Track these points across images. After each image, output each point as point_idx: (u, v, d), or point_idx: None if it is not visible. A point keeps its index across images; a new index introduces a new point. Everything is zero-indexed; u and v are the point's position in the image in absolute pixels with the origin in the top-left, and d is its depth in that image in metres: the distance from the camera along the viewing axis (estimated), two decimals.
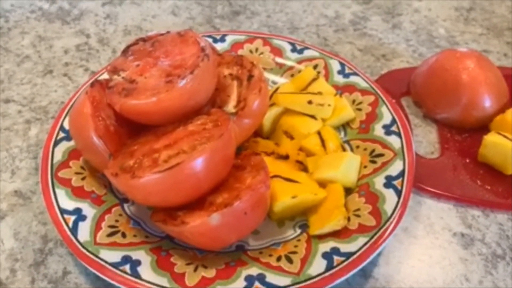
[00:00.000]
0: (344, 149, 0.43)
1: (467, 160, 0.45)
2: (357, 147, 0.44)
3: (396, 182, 0.39)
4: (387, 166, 0.40)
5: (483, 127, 0.47)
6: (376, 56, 0.58)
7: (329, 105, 0.44)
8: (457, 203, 0.42)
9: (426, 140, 0.48)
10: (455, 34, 0.61)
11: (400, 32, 0.61)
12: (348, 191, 0.40)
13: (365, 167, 0.41)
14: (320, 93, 0.45)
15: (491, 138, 0.44)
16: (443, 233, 0.40)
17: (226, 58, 0.43)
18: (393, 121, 0.44)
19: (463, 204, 0.42)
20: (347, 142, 0.44)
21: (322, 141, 0.43)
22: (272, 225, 0.38)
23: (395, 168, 0.40)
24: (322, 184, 0.39)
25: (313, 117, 0.44)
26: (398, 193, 0.38)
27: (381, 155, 0.42)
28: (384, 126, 0.44)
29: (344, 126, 0.46)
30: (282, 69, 0.51)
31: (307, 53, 0.51)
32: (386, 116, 0.44)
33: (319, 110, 0.44)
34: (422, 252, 0.39)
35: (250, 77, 0.41)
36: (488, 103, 0.47)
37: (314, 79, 0.47)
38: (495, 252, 0.39)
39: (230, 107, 0.40)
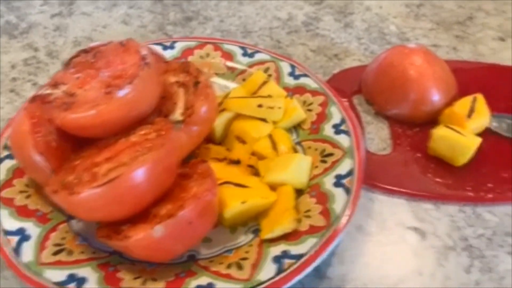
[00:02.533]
0: (295, 151, 0.43)
1: (419, 154, 0.46)
2: (309, 147, 0.44)
3: (346, 181, 0.39)
4: (336, 165, 0.40)
5: (433, 120, 0.48)
6: (328, 56, 0.58)
7: (279, 107, 0.44)
8: (409, 197, 0.43)
9: (378, 137, 0.48)
10: (406, 30, 0.62)
11: (352, 31, 0.62)
12: (300, 192, 0.40)
13: (316, 167, 0.41)
14: (270, 96, 0.45)
15: (438, 132, 0.44)
16: (396, 229, 0.41)
17: (173, 65, 0.42)
18: (343, 120, 0.44)
19: (415, 198, 0.43)
20: (299, 143, 0.45)
21: (274, 144, 0.43)
22: (224, 232, 0.38)
23: (345, 166, 0.40)
24: (274, 187, 0.39)
25: (264, 120, 0.44)
26: (348, 191, 0.38)
27: (331, 154, 0.42)
28: (334, 126, 0.44)
29: (296, 127, 0.46)
30: (234, 74, 0.51)
31: (258, 56, 0.51)
32: (336, 116, 0.44)
33: (270, 113, 0.44)
34: (376, 249, 0.39)
35: (197, 83, 0.41)
36: (436, 97, 0.48)
37: (265, 82, 0.47)
38: (446, 244, 0.39)
39: (177, 114, 0.40)
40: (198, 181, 0.34)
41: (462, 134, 0.44)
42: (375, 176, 0.44)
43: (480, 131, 0.47)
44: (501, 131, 0.48)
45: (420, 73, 0.47)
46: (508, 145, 0.47)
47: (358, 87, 0.53)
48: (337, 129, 0.43)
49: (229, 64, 0.51)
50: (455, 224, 0.41)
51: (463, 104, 0.47)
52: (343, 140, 0.42)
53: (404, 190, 0.43)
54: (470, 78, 0.53)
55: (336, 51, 0.59)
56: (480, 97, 0.47)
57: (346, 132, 0.43)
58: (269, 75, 0.49)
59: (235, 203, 0.36)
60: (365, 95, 0.52)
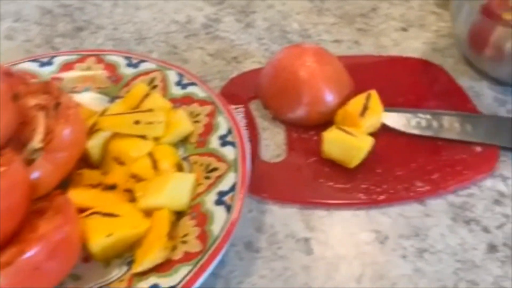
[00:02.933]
0: (180, 168, 0.40)
1: (313, 159, 0.44)
2: (195, 162, 0.41)
3: (227, 198, 0.36)
4: (219, 181, 0.38)
5: (329, 121, 0.47)
6: (227, 59, 0.55)
7: (159, 122, 0.41)
8: (301, 206, 0.41)
9: (274, 143, 0.46)
10: (308, 27, 0.60)
11: (253, 31, 0.60)
12: (181, 214, 0.37)
13: (200, 184, 0.39)
14: (150, 110, 0.42)
15: (329, 135, 0.43)
16: (286, 242, 0.39)
17: (32, 86, 0.39)
18: (229, 131, 0.41)
19: (308, 206, 0.41)
20: (186, 158, 0.42)
21: (154, 163, 0.40)
22: (96, 267, 0.35)
23: (228, 182, 0.38)
24: (150, 212, 0.36)
25: (143, 137, 0.41)
26: (229, 209, 0.36)
27: (215, 169, 0.39)
28: (220, 137, 0.41)
29: (184, 141, 0.43)
30: (117, 87, 0.47)
31: (144, 66, 0.48)
32: (223, 126, 0.42)
33: (149, 129, 0.41)
34: (264, 267, 0.37)
35: (57, 105, 0.37)
36: (329, 97, 0.46)
37: (147, 95, 0.44)
38: (338, 254, 0.38)
39: (36, 142, 0.36)
40: (49, 218, 0.31)
41: (353, 135, 0.42)
42: (267, 186, 0.42)
43: (376, 128, 0.46)
44: (398, 127, 0.47)
45: (310, 73, 0.45)
46: (404, 141, 0.46)
47: (255, 91, 0.51)
48: (223, 141, 0.41)
49: (113, 77, 0.48)
50: (348, 231, 0.39)
51: (356, 103, 0.46)
52: (229, 152, 0.40)
53: (296, 199, 0.41)
54: (368, 73, 0.52)
55: (236, 53, 0.56)
56: (373, 94, 0.46)
57: (232, 144, 0.40)
58: (155, 86, 0.46)
59: (99, 237, 0.33)
60: (261, 100, 0.49)
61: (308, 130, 0.46)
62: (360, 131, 0.44)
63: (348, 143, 0.42)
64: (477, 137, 0.45)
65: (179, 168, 0.40)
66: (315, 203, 0.41)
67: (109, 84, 0.47)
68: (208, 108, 0.44)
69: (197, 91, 0.45)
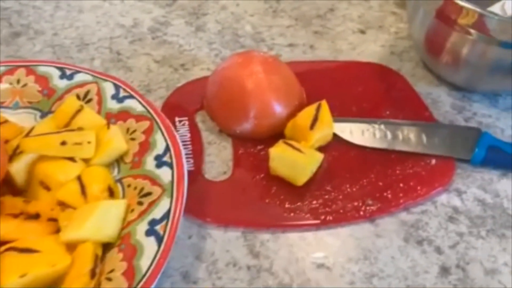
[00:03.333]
0: (112, 193, 0.37)
1: (261, 176, 0.41)
2: (129, 185, 0.38)
3: (160, 227, 0.34)
4: (153, 208, 0.35)
5: (279, 134, 0.44)
6: (174, 66, 0.52)
7: (88, 142, 0.38)
8: (245, 229, 0.38)
9: (219, 159, 0.43)
10: (262, 30, 0.57)
11: (203, 35, 0.56)
12: (111, 245, 0.34)
13: (133, 210, 0.36)
14: (80, 128, 0.39)
15: (276, 150, 0.40)
16: (227, 270, 0.36)
17: None
18: (167, 149, 0.38)
19: (253, 229, 0.38)
20: (121, 180, 0.39)
21: (83, 188, 0.37)
22: None
23: (161, 208, 0.35)
24: (74, 245, 0.33)
25: (72, 159, 0.38)
26: (160, 240, 0.33)
27: (149, 194, 0.36)
28: (157, 157, 0.38)
29: (119, 161, 0.40)
30: (50, 101, 0.43)
31: (78, 78, 0.44)
32: (160, 144, 0.39)
33: (77, 150, 0.37)
34: None
35: None
36: (278, 109, 0.43)
37: (78, 111, 0.41)
38: (281, 282, 0.35)
39: None
40: None
41: (300, 151, 0.40)
42: (209, 208, 0.39)
43: (327, 141, 0.44)
44: (351, 139, 0.44)
45: (258, 84, 0.43)
46: (356, 154, 0.43)
47: (202, 102, 0.48)
48: (159, 161, 0.38)
49: (45, 90, 0.44)
50: (294, 256, 0.37)
51: (306, 115, 0.43)
52: (165, 174, 0.37)
53: (239, 222, 0.38)
54: (322, 80, 0.50)
55: (184, 60, 0.53)
56: (324, 104, 0.43)
57: (168, 164, 0.37)
58: (90, 100, 0.43)
59: (12, 278, 0.30)
60: (207, 111, 0.46)
61: (256, 144, 0.44)
62: (310, 145, 0.42)
63: (295, 160, 0.39)
64: (432, 149, 0.43)
65: (111, 193, 0.37)
66: (259, 226, 0.38)
67: (41, 98, 0.44)
68: (145, 124, 0.40)
69: (135, 105, 0.42)
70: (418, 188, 0.40)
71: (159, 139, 0.39)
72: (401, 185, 0.41)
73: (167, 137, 0.39)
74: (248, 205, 0.39)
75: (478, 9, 0.41)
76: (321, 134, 0.42)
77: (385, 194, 0.40)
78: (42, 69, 0.45)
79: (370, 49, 0.55)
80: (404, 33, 0.57)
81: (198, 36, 0.56)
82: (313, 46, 0.55)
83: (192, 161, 0.42)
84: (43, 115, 0.43)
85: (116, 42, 0.55)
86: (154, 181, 0.37)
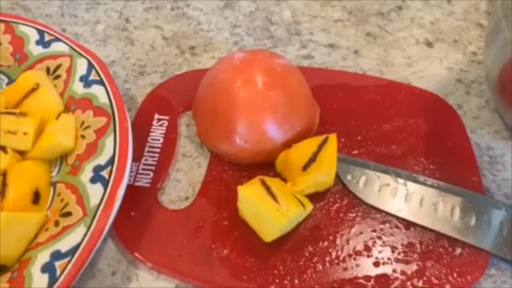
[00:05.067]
0: (37, 198, 0.31)
1: (224, 214, 0.33)
2: (59, 194, 0.31)
3: (59, 264, 0.27)
4: (63, 235, 0.28)
5: (269, 163, 0.35)
6: (181, 48, 0.43)
7: (24, 133, 0.31)
8: (182, 283, 0.30)
9: (187, 178, 0.35)
10: (302, 20, 0.46)
11: (230, 14, 0.46)
12: (6, 269, 0.28)
13: (47, 230, 0.29)
14: (22, 113, 0.32)
15: (244, 191, 0.31)
16: None
17: None
18: (110, 161, 0.31)
19: (191, 285, 0.30)
20: (55, 184, 0.32)
21: (3, 186, 0.30)
22: None
23: (71, 240, 0.27)
24: None
25: (3, 149, 0.32)
26: (53, 280, 0.26)
27: (69, 214, 0.29)
28: (96, 168, 0.31)
29: (63, 160, 0.33)
30: (20, 69, 0.37)
31: (55, 47, 0.38)
32: (106, 152, 0.31)
33: (9, 139, 0.31)
34: None
35: None
36: (272, 132, 0.33)
37: (33, 90, 0.34)
38: None
39: None
40: None
41: (276, 200, 0.30)
42: (146, 243, 0.31)
43: (325, 187, 0.34)
44: (357, 191, 0.33)
45: (250, 97, 0.33)
46: (362, 214, 0.33)
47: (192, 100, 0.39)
48: (97, 174, 0.30)
49: (18, 54, 0.38)
50: None
51: (304, 149, 0.33)
52: (95, 194, 0.29)
53: (178, 271, 0.30)
54: (348, 101, 0.38)
55: (196, 42, 0.44)
56: (332, 140, 0.33)
57: (104, 182, 0.30)
58: (58, 76, 0.36)
59: None
60: (193, 115, 0.38)
61: (237, 169, 0.35)
62: (298, 191, 0.32)
63: (263, 211, 0.30)
64: (464, 234, 0.31)
65: (36, 199, 0.31)
66: (201, 283, 0.30)
67: (12, 63, 0.38)
68: (101, 121, 0.33)
69: (100, 93, 0.34)
70: (433, 280, 0.30)
71: (108, 145, 0.32)
72: (405, 269, 0.30)
73: (117, 144, 0.32)
74: (196, 251, 0.31)
75: None
76: (316, 180, 0.32)
77: (382, 280, 0.30)
78: (22, 28, 0.39)
79: (431, 70, 0.42)
80: (483, 56, 0.44)
81: (224, 14, 0.47)
82: (358, 51, 0.44)
83: (151, 175, 0.34)
84: (10, 82, 0.38)
85: (131, 6, 0.47)
86: (80, 199, 0.29)
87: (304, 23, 0.46)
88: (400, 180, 0.34)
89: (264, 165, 0.34)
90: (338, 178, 0.34)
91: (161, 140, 0.36)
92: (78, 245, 0.27)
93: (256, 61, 0.35)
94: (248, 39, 0.45)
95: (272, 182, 0.31)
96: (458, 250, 0.31)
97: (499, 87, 0.35)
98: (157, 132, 0.37)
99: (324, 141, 0.33)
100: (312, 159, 0.32)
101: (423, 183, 0.34)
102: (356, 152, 0.36)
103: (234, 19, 0.46)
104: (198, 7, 0.47)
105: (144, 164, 0.35)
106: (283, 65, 0.35)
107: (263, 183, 0.31)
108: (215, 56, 0.43)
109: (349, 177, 0.34)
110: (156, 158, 0.35)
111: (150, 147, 0.36)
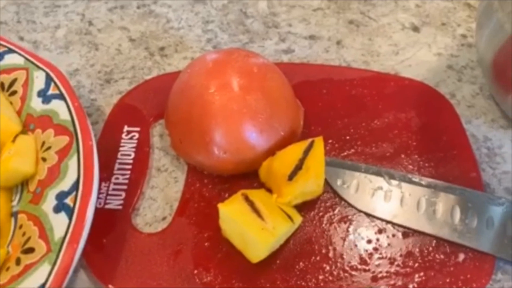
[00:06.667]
0: None
1: (206, 235, 0.30)
2: (20, 227, 0.28)
3: None
4: (26, 275, 0.25)
5: (253, 172, 0.32)
6: (150, 50, 0.40)
7: None
8: None
9: (163, 196, 0.32)
10: (279, 11, 0.43)
11: (201, 9, 0.43)
12: None
13: (8, 270, 0.26)
14: None
15: (226, 208, 0.28)
16: None
17: None
18: (75, 186, 0.28)
19: None
20: (17, 214, 0.29)
21: None
22: None
23: (36, 279, 0.25)
24: None
25: None
26: None
27: (31, 250, 0.26)
28: (59, 195, 0.28)
29: (24, 186, 0.30)
30: None
31: (9, 59, 0.34)
32: (70, 176, 0.28)
33: None
34: None
35: None
36: (253, 140, 0.30)
37: None
38: None
39: None
40: None
41: (261, 216, 0.27)
42: (118, 273, 0.28)
43: (314, 196, 0.31)
44: (348, 197, 0.31)
45: (226, 103, 0.30)
46: (351, 219, 0.30)
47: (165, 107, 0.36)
48: (61, 202, 0.27)
49: None
50: None
51: (289, 155, 0.30)
52: (60, 225, 0.26)
53: None
54: (334, 98, 0.36)
55: (166, 42, 0.41)
56: (318, 143, 0.30)
57: (68, 211, 0.27)
58: (14, 92, 0.33)
59: None
60: (166, 124, 0.35)
61: (218, 182, 0.32)
62: (285, 202, 0.29)
63: (246, 231, 0.27)
64: (465, 237, 0.29)
65: None
66: None
67: None
68: (63, 141, 0.30)
69: (60, 109, 0.31)
70: None
71: (71, 167, 0.28)
72: (405, 284, 0.28)
73: (82, 166, 0.29)
74: (176, 278, 0.28)
75: None
76: (303, 189, 0.30)
77: None
78: None
79: (419, 57, 0.40)
80: (474, 39, 0.41)
81: (195, 9, 0.43)
82: (341, 42, 0.41)
83: (123, 195, 0.31)
84: None
85: (93, 7, 0.44)
86: (44, 231, 0.26)
87: (282, 14, 0.43)
88: (394, 182, 0.31)
89: (246, 176, 0.32)
90: (327, 185, 0.31)
91: (132, 155, 0.33)
92: (43, 286, 0.24)
93: (231, 62, 0.31)
94: (223, 35, 0.41)
95: (256, 195, 0.29)
96: (461, 256, 0.28)
97: (494, 72, 0.33)
98: (128, 146, 0.33)
99: (310, 146, 0.30)
100: (298, 167, 0.29)
101: (418, 184, 0.31)
102: (345, 153, 0.33)
103: (206, 14, 0.43)
104: (167, 3, 0.44)
105: (115, 184, 0.32)
106: (261, 65, 0.32)
107: (246, 198, 0.28)
108: (187, 57, 0.40)
109: (339, 182, 0.31)
110: (127, 176, 0.32)
111: (120, 163, 0.33)
